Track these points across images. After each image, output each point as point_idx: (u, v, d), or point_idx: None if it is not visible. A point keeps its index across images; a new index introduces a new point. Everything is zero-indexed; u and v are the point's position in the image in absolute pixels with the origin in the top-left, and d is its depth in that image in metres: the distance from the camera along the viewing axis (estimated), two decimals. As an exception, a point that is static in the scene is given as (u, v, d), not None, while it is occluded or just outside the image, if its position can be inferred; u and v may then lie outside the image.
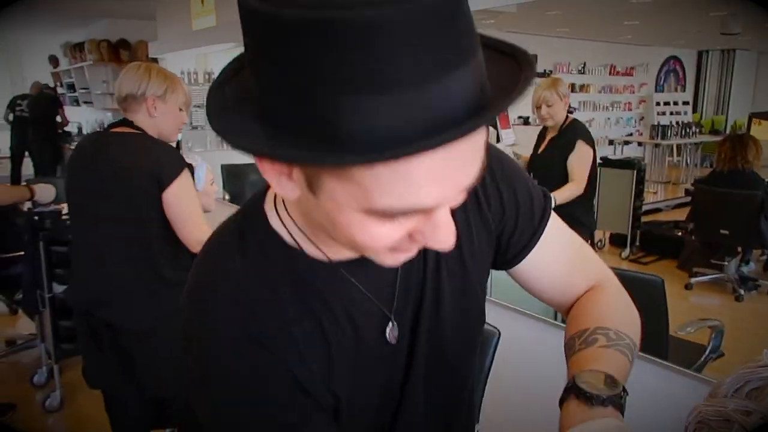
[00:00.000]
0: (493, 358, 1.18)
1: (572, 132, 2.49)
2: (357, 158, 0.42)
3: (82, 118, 7.67)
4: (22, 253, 2.67)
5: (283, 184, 0.51)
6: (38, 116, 6.67)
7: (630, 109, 8.37)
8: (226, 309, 0.60)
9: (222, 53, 3.69)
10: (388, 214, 0.48)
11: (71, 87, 7.86)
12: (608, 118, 8.03)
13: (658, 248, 4.25)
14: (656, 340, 1.78)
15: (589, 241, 2.91)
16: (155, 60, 4.79)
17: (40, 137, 6.67)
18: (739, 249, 3.39)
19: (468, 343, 0.75)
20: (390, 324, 0.66)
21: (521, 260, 0.74)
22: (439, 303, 0.69)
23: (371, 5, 0.39)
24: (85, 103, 7.54)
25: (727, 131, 7.71)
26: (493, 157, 0.71)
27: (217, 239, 0.66)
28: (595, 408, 0.56)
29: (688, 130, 7.19)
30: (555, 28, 5.56)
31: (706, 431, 0.42)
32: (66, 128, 7.15)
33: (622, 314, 0.74)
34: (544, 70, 6.52)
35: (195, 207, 1.56)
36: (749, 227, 3.14)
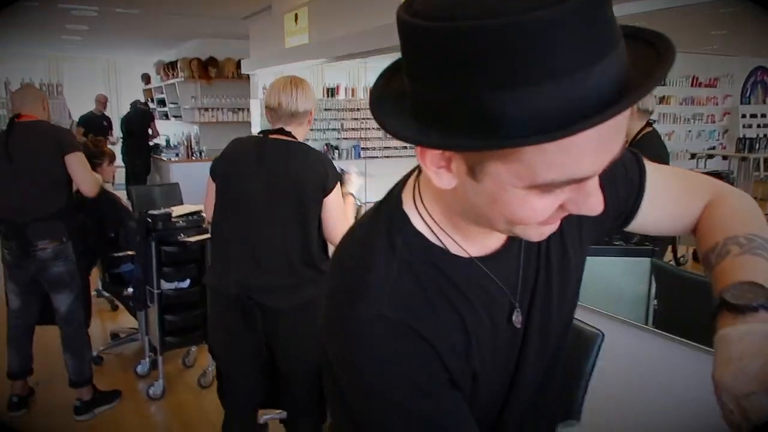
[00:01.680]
0: (595, 361, 1.23)
1: (643, 145, 2.50)
2: (541, 138, 0.48)
3: (170, 131, 8.16)
4: (132, 252, 2.92)
5: (441, 176, 0.57)
6: (132, 129, 7.16)
7: (713, 122, 8.02)
8: (384, 304, 0.63)
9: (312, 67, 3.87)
10: (549, 187, 0.53)
11: (162, 102, 8.38)
12: (689, 131, 7.73)
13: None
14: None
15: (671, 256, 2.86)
16: (243, 75, 5.06)
17: (133, 149, 7.15)
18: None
19: (567, 325, 0.81)
20: (516, 310, 0.72)
21: (633, 218, 0.80)
22: (549, 287, 0.75)
23: (530, 10, 0.45)
24: (174, 117, 8.01)
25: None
26: None
27: (364, 239, 0.69)
28: (747, 315, 0.60)
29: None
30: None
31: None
32: (156, 140, 7.63)
33: (745, 217, 0.77)
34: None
35: (345, 210, 1.88)
36: None
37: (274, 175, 1.75)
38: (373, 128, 6.40)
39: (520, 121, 0.48)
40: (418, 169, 0.69)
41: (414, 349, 0.63)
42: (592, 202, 0.56)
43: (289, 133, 1.78)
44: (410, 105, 0.55)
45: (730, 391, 0.56)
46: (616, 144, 0.53)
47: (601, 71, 0.48)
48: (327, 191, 1.78)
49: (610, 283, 2.23)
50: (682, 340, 1.66)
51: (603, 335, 1.23)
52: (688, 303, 1.97)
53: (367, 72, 6.18)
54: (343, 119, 5.84)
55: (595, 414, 1.29)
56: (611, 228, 0.82)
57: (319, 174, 1.77)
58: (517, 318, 0.72)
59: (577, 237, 0.77)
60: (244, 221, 1.78)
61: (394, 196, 0.70)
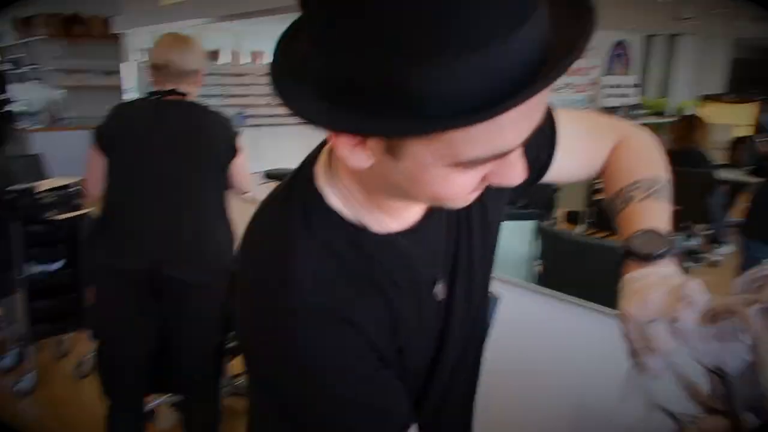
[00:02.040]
0: (491, 324, 1.28)
1: None
2: (469, 119, 0.45)
3: (30, 97, 7.34)
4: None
5: (356, 155, 0.53)
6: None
7: (581, 92, 8.63)
8: (307, 293, 0.60)
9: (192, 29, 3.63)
10: (472, 164, 0.52)
11: (14, 63, 7.49)
12: (562, 100, 8.27)
13: (609, 225, 4.46)
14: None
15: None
16: (114, 36, 4.64)
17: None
18: (686, 224, 3.63)
19: (487, 292, 0.82)
20: (439, 282, 0.71)
21: (547, 171, 0.81)
22: (471, 253, 0.74)
23: None
24: (35, 79, 7.20)
25: (670, 113, 8.09)
26: None
27: (277, 221, 0.65)
28: (650, 262, 0.65)
29: (634, 111, 7.50)
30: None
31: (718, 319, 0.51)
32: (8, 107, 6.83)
33: (647, 160, 0.81)
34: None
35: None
36: (698, 204, 3.37)
37: (181, 138, 1.68)
38: (258, 95, 6.18)
39: (442, 100, 0.45)
40: (322, 150, 0.65)
41: (342, 336, 0.61)
42: (515, 173, 0.55)
43: (184, 94, 1.70)
44: (314, 77, 0.50)
45: (634, 321, 0.60)
46: (539, 113, 0.52)
47: (522, 39, 0.45)
48: (238, 150, 1.78)
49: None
50: (571, 298, 1.78)
51: (497, 298, 1.28)
52: (572, 263, 2.13)
53: (252, 36, 5.91)
54: (224, 85, 5.57)
55: (492, 375, 1.34)
56: (529, 182, 0.79)
57: (229, 133, 1.76)
58: (441, 291, 0.72)
59: (497, 197, 0.75)
60: (149, 190, 1.67)
61: (306, 171, 0.65)
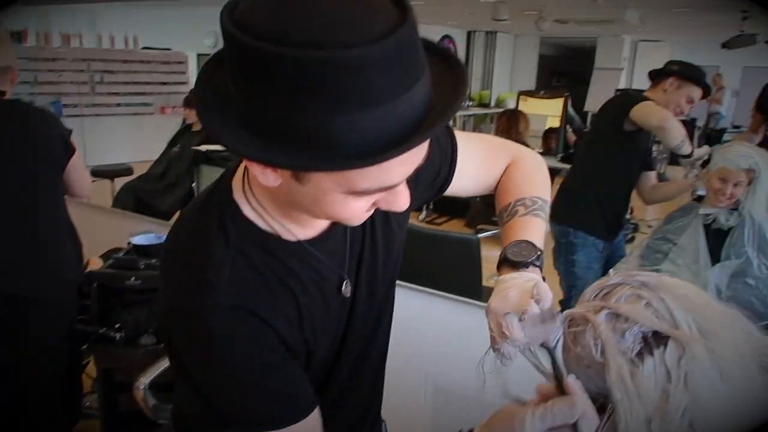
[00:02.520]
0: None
1: None
2: (356, 163, 0.55)
3: None
4: None
5: (267, 176, 0.61)
6: None
7: (414, 83, 9.03)
8: (223, 293, 0.68)
9: None
10: (364, 193, 0.61)
11: None
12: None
13: (448, 210, 4.78)
14: (475, 289, 2.08)
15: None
16: None
17: None
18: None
19: (391, 285, 0.91)
20: (345, 282, 0.80)
21: (448, 186, 0.92)
22: (374, 257, 0.84)
23: (356, 45, 0.50)
24: None
25: (492, 105, 8.83)
26: None
27: (197, 230, 0.73)
28: (521, 270, 0.76)
29: (462, 103, 8.07)
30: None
31: (575, 325, 0.59)
32: None
33: (533, 180, 0.94)
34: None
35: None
36: (521, 188, 3.74)
37: (7, 140, 1.51)
38: (79, 82, 5.57)
39: (346, 144, 0.54)
40: (242, 176, 0.73)
41: (254, 331, 0.70)
42: (400, 201, 0.66)
43: (1, 93, 1.52)
44: (236, 110, 0.57)
45: (494, 313, 0.71)
46: (421, 155, 0.62)
47: (410, 98, 0.55)
48: (73, 150, 1.65)
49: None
50: (414, 286, 1.87)
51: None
52: (418, 255, 2.23)
53: (60, 15, 5.31)
54: (36, 70, 4.95)
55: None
56: (431, 196, 0.93)
57: (60, 131, 1.61)
58: (346, 288, 0.81)
59: (398, 214, 0.85)
60: None
61: (224, 185, 0.74)
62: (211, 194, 0.75)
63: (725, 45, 4.06)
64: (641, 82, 2.77)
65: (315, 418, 0.75)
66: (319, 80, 0.51)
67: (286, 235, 0.73)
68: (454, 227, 4.47)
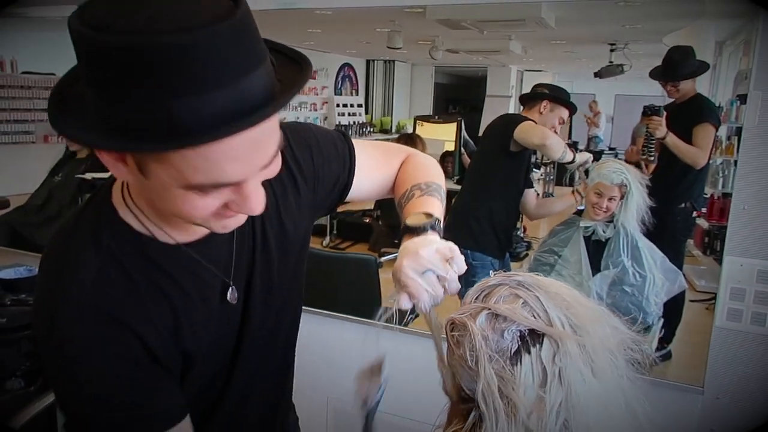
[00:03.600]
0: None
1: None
2: (152, 146, 0.55)
3: None
4: None
5: (119, 169, 0.62)
6: None
7: (316, 110, 9.10)
8: (84, 293, 0.67)
9: None
10: (202, 189, 0.59)
11: None
12: (297, 117, 8.59)
13: (352, 234, 4.80)
14: (374, 309, 2.09)
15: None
16: None
17: None
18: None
19: (290, 295, 0.90)
20: (230, 288, 0.79)
21: (349, 190, 0.94)
22: (269, 263, 0.83)
23: (185, 30, 0.51)
24: None
25: (393, 130, 9.04)
26: (290, 129, 0.87)
27: (70, 235, 0.72)
28: (420, 235, 0.78)
29: (364, 129, 8.21)
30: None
31: (456, 330, 0.61)
32: None
33: (425, 169, 0.98)
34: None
35: None
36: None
37: None
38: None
39: (165, 130, 0.54)
40: (122, 183, 0.73)
41: (112, 335, 0.68)
42: (251, 204, 0.63)
43: None
44: (91, 112, 0.57)
45: (411, 269, 0.73)
46: (262, 154, 0.61)
47: (244, 85, 0.55)
48: None
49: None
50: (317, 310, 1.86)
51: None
52: (318, 278, 2.22)
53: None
54: None
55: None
56: (333, 201, 0.94)
57: None
58: (232, 295, 0.79)
59: (296, 214, 0.86)
60: None
61: (104, 190, 0.74)
62: (90, 199, 0.75)
63: (597, 74, 4.43)
64: (526, 109, 2.99)
65: (187, 425, 0.75)
66: (144, 67, 0.51)
67: (164, 238, 0.72)
68: (359, 251, 4.49)
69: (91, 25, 0.52)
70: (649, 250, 2.02)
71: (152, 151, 0.56)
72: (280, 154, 0.63)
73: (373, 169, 0.98)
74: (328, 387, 1.91)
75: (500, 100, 8.33)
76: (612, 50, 4.23)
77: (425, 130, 4.90)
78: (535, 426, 0.55)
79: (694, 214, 2.51)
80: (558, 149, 2.25)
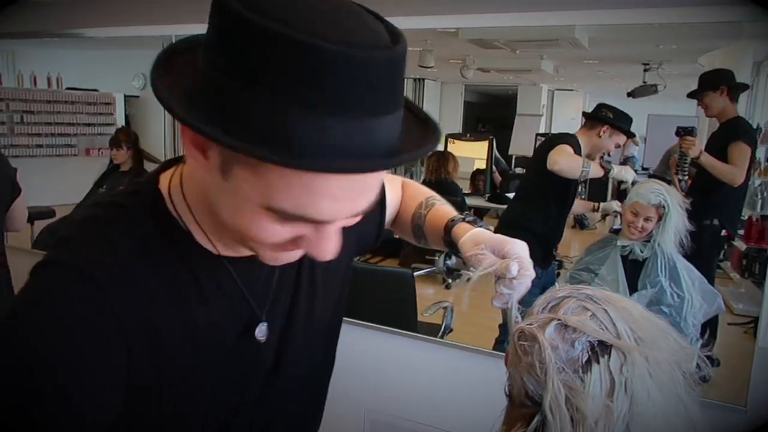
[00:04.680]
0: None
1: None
2: (273, 157, 0.49)
3: None
4: None
5: (197, 159, 0.56)
6: None
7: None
8: (99, 270, 0.57)
9: None
10: (283, 216, 0.53)
11: None
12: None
13: (382, 251, 4.83)
14: (410, 322, 2.13)
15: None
16: None
17: None
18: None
19: (331, 338, 0.87)
20: (261, 324, 0.70)
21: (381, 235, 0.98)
22: (312, 307, 0.77)
23: (351, 44, 0.47)
24: None
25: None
26: None
27: (107, 213, 0.63)
28: (476, 226, 0.87)
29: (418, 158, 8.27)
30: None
31: (525, 340, 0.65)
32: None
33: (419, 189, 1.08)
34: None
35: None
36: (452, 227, 3.88)
37: None
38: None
39: (279, 139, 0.48)
40: (179, 164, 0.68)
41: (93, 314, 0.56)
42: (326, 247, 0.57)
43: None
44: (197, 89, 0.52)
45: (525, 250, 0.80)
46: (361, 203, 0.56)
47: (379, 127, 0.51)
48: (19, 189, 1.79)
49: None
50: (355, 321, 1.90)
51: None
52: (356, 290, 2.27)
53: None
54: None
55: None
56: (377, 231, 0.99)
57: (9, 172, 1.75)
58: (260, 332, 0.70)
59: (347, 252, 0.77)
60: None
61: (151, 182, 0.67)
62: (131, 183, 0.69)
63: (630, 94, 4.42)
64: (557, 127, 3.02)
65: None
66: (296, 65, 0.46)
67: (204, 242, 0.65)
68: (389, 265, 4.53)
69: (248, 5, 0.48)
70: (687, 271, 2.02)
71: (252, 155, 0.49)
72: None
73: (390, 200, 1.03)
74: (364, 399, 1.95)
75: (531, 119, 8.31)
76: (645, 70, 4.22)
77: (456, 148, 4.94)
78: (605, 429, 0.58)
79: (723, 232, 2.50)
80: (574, 172, 2.32)
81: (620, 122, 2.50)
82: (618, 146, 2.52)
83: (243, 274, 0.68)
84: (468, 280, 0.78)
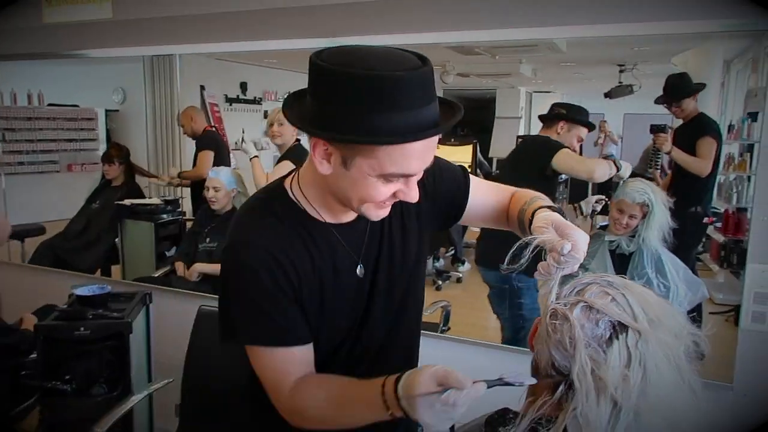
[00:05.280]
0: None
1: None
2: (393, 139, 0.84)
3: None
4: None
5: (323, 165, 0.92)
6: None
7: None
8: (260, 237, 0.99)
9: None
10: (391, 177, 0.89)
11: None
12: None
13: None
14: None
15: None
16: None
17: None
18: (432, 249, 4.20)
19: (411, 284, 1.15)
20: (359, 265, 1.07)
21: (464, 211, 1.19)
22: (392, 256, 1.10)
23: (398, 70, 0.83)
24: None
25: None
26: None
27: (252, 205, 1.07)
28: (555, 212, 1.00)
29: (454, 122, 8.30)
30: (263, 59, 5.91)
31: (557, 319, 0.73)
32: None
33: (533, 192, 1.18)
34: (254, 98, 6.82)
35: None
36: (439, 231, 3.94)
37: None
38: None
39: (381, 132, 0.84)
40: (296, 170, 1.07)
41: (267, 265, 0.97)
42: (413, 193, 0.94)
43: None
44: (309, 114, 0.89)
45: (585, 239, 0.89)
46: (429, 157, 0.92)
47: (426, 111, 0.86)
48: None
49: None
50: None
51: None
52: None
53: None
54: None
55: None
56: (448, 216, 1.19)
57: None
58: (360, 271, 1.08)
59: (416, 222, 1.14)
60: None
61: (279, 181, 1.08)
62: (264, 189, 1.11)
63: (607, 95, 4.57)
64: (537, 129, 3.11)
65: (303, 352, 1.01)
66: (371, 89, 0.82)
67: (317, 217, 1.03)
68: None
69: (332, 61, 0.85)
70: (672, 262, 2.12)
71: (390, 142, 0.84)
72: None
73: (486, 194, 1.21)
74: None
75: (510, 122, 8.48)
76: (621, 71, 4.38)
77: (441, 153, 5.01)
78: (620, 398, 0.67)
79: (705, 219, 2.63)
80: (605, 176, 2.32)
81: (574, 115, 2.52)
82: (580, 140, 2.53)
83: (343, 233, 1.05)
84: (526, 244, 0.92)
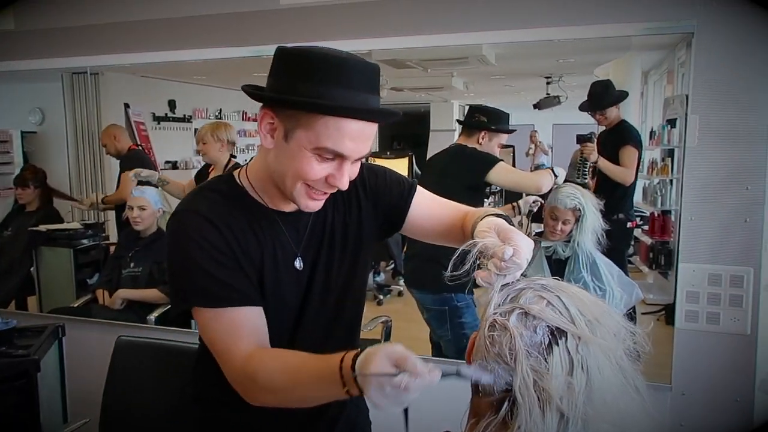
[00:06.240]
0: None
1: None
2: (332, 109, 0.91)
3: None
4: None
5: (267, 137, 0.99)
6: None
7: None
8: (202, 210, 1.04)
9: None
10: (324, 153, 0.95)
11: None
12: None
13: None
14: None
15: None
16: None
17: None
18: (373, 263, 4.15)
19: (349, 283, 1.16)
20: (298, 258, 1.10)
21: (405, 220, 1.19)
22: (331, 254, 1.13)
23: (349, 55, 0.94)
24: None
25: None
26: (367, 166, 1.20)
27: (200, 185, 1.13)
28: (500, 219, 0.99)
29: (392, 118, 8.24)
30: (192, 75, 5.74)
31: (495, 330, 0.68)
32: None
33: (488, 209, 1.16)
34: (184, 115, 6.61)
35: None
36: (382, 244, 3.91)
37: None
38: None
39: (323, 101, 0.92)
40: (245, 165, 1.13)
41: (216, 236, 1.02)
42: (344, 180, 0.98)
43: None
44: (268, 89, 0.99)
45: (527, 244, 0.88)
46: (364, 147, 0.98)
47: (369, 97, 0.95)
48: None
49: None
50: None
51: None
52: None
53: None
54: None
55: None
56: (390, 221, 1.20)
57: None
58: (299, 264, 1.10)
59: (357, 223, 1.17)
60: None
61: (227, 173, 1.13)
62: (217, 176, 1.16)
63: (536, 106, 4.69)
64: (472, 141, 3.14)
65: (253, 315, 1.02)
66: (320, 64, 0.92)
67: (261, 202, 1.09)
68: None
69: (298, 48, 0.96)
70: (607, 266, 2.16)
71: (314, 107, 0.92)
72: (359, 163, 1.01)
73: (440, 209, 1.21)
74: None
75: (445, 134, 8.61)
76: (548, 83, 4.51)
77: (380, 165, 5.02)
78: (566, 408, 0.62)
79: (629, 224, 2.71)
80: (549, 186, 2.33)
81: (496, 124, 2.47)
82: (501, 147, 2.52)
83: (285, 222, 1.09)
84: (470, 247, 0.89)
